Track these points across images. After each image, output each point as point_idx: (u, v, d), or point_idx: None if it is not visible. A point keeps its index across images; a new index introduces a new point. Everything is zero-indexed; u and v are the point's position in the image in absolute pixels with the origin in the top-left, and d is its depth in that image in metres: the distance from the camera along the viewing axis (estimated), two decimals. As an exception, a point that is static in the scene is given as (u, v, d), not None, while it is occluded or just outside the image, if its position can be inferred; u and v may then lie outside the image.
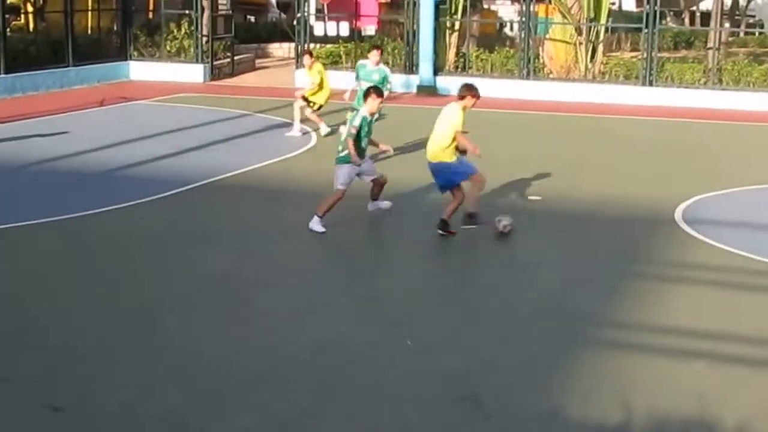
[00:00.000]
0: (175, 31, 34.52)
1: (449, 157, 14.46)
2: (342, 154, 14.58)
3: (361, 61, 21.19)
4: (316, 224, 14.38)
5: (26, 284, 11.98)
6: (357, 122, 14.47)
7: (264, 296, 11.73)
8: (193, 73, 33.54)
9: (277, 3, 56.29)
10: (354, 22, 36.87)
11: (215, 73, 34.37)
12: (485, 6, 44.13)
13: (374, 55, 20.71)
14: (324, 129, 22.27)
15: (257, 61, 40.19)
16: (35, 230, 14.28)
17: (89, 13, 34.52)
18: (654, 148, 22.41)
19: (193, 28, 33.91)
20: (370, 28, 40.60)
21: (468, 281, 12.64)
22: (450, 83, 29.95)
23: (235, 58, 36.74)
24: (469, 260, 13.64)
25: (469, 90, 14.60)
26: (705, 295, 12.30)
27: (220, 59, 35.46)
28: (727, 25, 43.67)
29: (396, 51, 33.26)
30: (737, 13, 48.31)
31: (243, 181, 17.88)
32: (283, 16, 52.03)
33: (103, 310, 11.03)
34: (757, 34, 49.93)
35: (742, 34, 49.11)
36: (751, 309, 11.61)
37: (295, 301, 11.53)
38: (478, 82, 16.55)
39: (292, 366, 9.60)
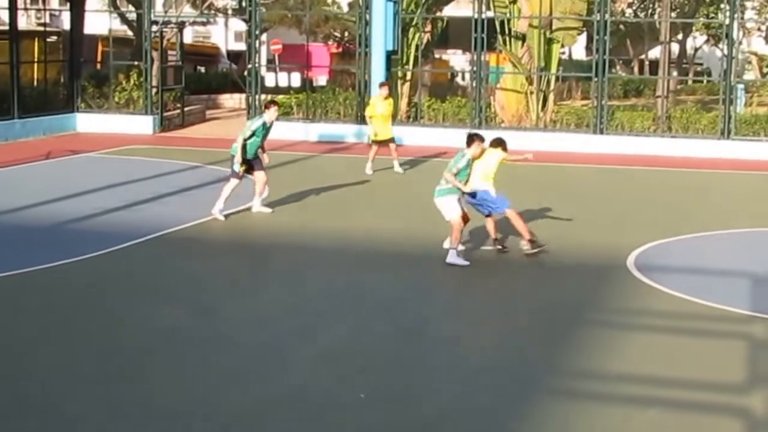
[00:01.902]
0: (124, 82, 34.34)
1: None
2: (445, 188, 15.51)
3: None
4: (454, 257, 15.23)
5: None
6: (462, 163, 15.49)
7: (217, 351, 11.49)
8: (143, 124, 33.30)
9: (228, 54, 56.32)
10: (305, 72, 36.87)
11: (165, 125, 34.17)
12: (437, 56, 44.35)
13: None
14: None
15: (208, 111, 40.07)
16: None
17: (35, 64, 34.30)
18: (605, 195, 22.45)
19: (142, 79, 33.71)
20: (322, 79, 40.69)
21: (423, 333, 12.46)
22: (402, 133, 29.95)
23: (185, 108, 36.59)
24: (422, 312, 13.46)
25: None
26: (658, 341, 12.22)
27: (169, 110, 35.30)
28: (675, 73, 44.13)
29: (347, 101, 33.23)
30: (685, 61, 48.87)
31: (194, 234, 17.67)
32: (234, 66, 52.07)
33: (48, 367, 10.75)
34: (705, 81, 50.40)
35: (690, 82, 49.62)
36: (703, 354, 11.55)
37: (247, 356, 11.31)
38: (430, 131, 16.84)
39: (245, 424, 9.39)
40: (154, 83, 33.94)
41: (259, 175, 19.20)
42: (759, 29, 50.46)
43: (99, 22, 38.45)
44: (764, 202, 21.97)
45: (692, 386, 10.48)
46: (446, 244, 15.68)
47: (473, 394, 10.28)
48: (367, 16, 31.97)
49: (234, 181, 18.93)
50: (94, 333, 12.10)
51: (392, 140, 25.03)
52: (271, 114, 18.99)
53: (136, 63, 34.64)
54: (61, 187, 21.71)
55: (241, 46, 49.45)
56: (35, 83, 34.17)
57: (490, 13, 32.76)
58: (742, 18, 32.90)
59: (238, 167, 18.82)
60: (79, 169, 25.49)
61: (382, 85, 26.08)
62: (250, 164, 19.01)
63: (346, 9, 47.32)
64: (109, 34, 36.32)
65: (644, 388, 10.42)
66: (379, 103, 25.01)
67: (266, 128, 19.03)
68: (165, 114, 34.46)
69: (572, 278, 15.00)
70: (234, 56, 55.00)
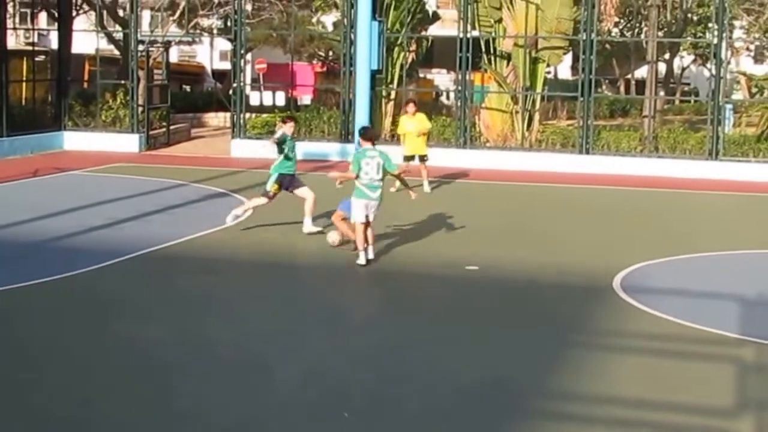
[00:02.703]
0: (111, 100, 34.36)
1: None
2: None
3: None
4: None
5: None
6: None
7: (198, 369, 11.44)
8: (129, 142, 33.29)
9: (213, 73, 56.39)
10: (290, 91, 36.87)
11: (151, 143, 34.16)
12: (421, 75, 44.39)
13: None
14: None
15: (193, 130, 40.11)
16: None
17: (24, 83, 34.27)
18: (591, 216, 22.46)
19: (128, 97, 33.71)
20: (306, 98, 40.70)
21: (406, 354, 12.41)
22: (386, 152, 29.93)
23: (171, 127, 36.57)
24: (407, 332, 13.41)
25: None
26: (645, 363, 12.18)
27: (155, 128, 35.29)
28: (662, 93, 44.20)
29: (332, 120, 33.25)
30: (672, 81, 48.95)
31: (179, 252, 17.62)
32: (219, 85, 52.12)
33: (28, 383, 10.69)
34: (692, 101, 50.53)
35: (677, 102, 49.75)
36: (691, 377, 11.51)
37: (226, 376, 11.25)
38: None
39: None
40: (141, 102, 33.96)
41: (302, 192, 18.87)
42: (747, 49, 50.64)
43: (86, 41, 38.44)
44: (753, 224, 21.99)
45: (680, 409, 10.44)
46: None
47: (457, 413, 10.23)
48: (352, 36, 31.99)
49: (263, 200, 18.80)
50: (76, 349, 12.03)
51: (424, 158, 25.17)
52: (286, 129, 18.83)
53: (122, 82, 34.69)
54: (47, 205, 21.65)
55: (227, 66, 49.55)
56: (23, 102, 34.14)
57: (476, 33, 32.82)
58: (731, 38, 32.98)
59: (270, 185, 18.62)
60: (66, 186, 25.44)
61: (407, 102, 26.54)
62: (289, 183, 18.75)
63: (330, 28, 47.35)
64: (96, 53, 36.38)
65: (631, 410, 10.40)
66: (407, 121, 25.33)
67: (292, 143, 18.82)
68: (151, 132, 34.45)
69: (557, 299, 14.97)
70: (219, 75, 55.10)
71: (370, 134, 17.42)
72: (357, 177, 16.51)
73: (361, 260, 16.37)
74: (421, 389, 10.95)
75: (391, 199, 19.11)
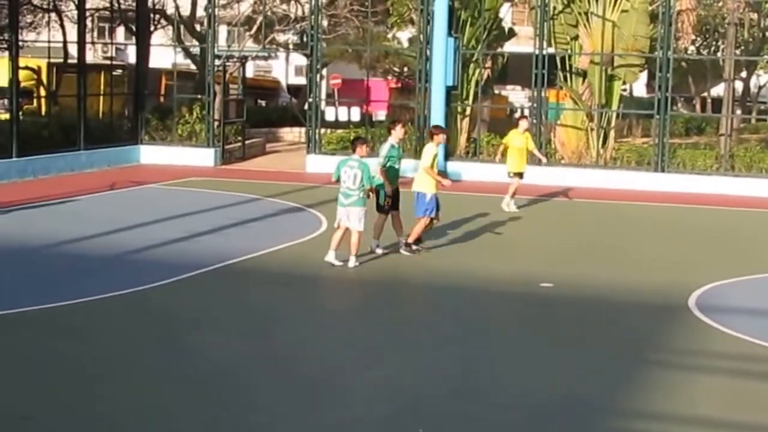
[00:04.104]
0: (187, 115, 34.65)
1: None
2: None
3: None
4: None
5: (28, 372, 11.78)
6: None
7: (272, 384, 11.52)
8: (204, 157, 33.56)
9: (288, 88, 56.69)
10: (365, 107, 37.00)
11: (226, 157, 34.41)
12: (496, 91, 44.33)
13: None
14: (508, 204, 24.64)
15: (268, 144, 40.30)
16: (44, 315, 14.10)
17: (101, 97, 34.71)
18: (666, 234, 22.30)
19: (204, 112, 33.99)
20: (380, 113, 40.79)
21: (480, 370, 12.39)
22: (461, 168, 30.04)
23: (246, 142, 36.85)
24: (480, 350, 13.40)
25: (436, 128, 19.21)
26: (720, 383, 12.08)
27: (231, 143, 35.57)
28: (738, 111, 43.78)
29: (407, 136, 33.26)
30: (749, 99, 48.46)
31: (255, 266, 17.76)
32: (294, 100, 52.37)
33: (100, 395, 10.83)
34: (768, 120, 49.93)
35: (753, 121, 49.24)
36: (764, 398, 11.39)
37: (300, 391, 11.31)
38: (489, 167, 17.23)
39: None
40: (216, 116, 34.23)
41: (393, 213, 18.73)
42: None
43: (163, 56, 38.84)
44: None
45: (753, 430, 10.36)
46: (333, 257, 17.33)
47: (534, 430, 10.22)
48: (428, 52, 32.03)
49: (381, 216, 18.66)
50: (151, 363, 12.17)
51: (520, 176, 25.15)
52: (397, 132, 18.86)
53: (198, 96, 34.96)
54: (123, 218, 21.89)
55: (302, 81, 49.80)
56: (101, 115, 34.57)
57: (551, 50, 32.76)
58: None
59: (383, 200, 18.50)
60: (142, 200, 25.71)
61: (521, 118, 26.92)
62: (395, 198, 18.66)
63: (406, 44, 47.45)
64: (173, 67, 36.77)
65: (706, 430, 10.33)
66: (516, 137, 25.21)
67: (398, 151, 18.78)
68: (226, 147, 34.72)
69: (633, 317, 14.90)
70: (294, 90, 55.34)
71: (355, 145, 17.64)
72: (337, 182, 17.42)
73: (329, 258, 17.31)
74: (495, 407, 10.94)
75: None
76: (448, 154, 31.34)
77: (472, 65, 33.84)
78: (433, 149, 18.63)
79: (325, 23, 38.47)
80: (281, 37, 47.61)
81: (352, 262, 17.23)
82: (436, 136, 19.05)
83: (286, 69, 56.72)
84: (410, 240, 18.44)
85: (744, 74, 50.10)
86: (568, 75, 33.29)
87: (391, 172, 18.48)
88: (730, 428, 10.38)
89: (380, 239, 18.54)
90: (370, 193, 17.62)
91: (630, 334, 14.01)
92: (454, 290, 16.44)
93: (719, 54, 47.80)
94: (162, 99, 39.45)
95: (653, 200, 27.62)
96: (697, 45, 50.65)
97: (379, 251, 18.42)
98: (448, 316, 14.98)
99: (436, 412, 10.69)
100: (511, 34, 39.20)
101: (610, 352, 13.11)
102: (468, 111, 34.21)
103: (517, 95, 51.79)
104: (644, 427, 10.47)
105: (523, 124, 25.71)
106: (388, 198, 18.40)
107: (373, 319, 14.80)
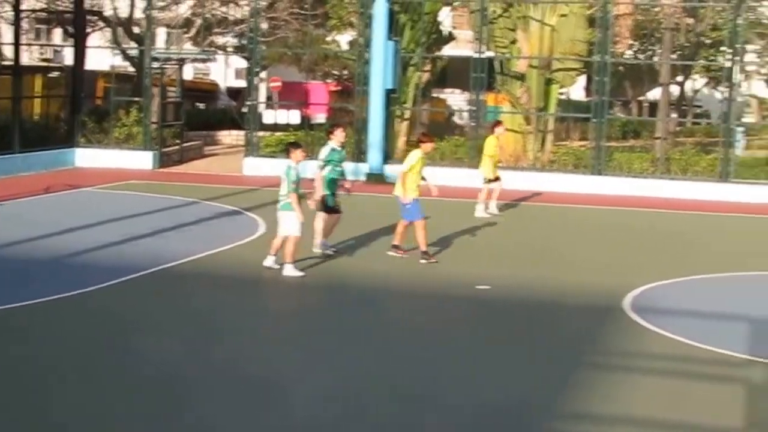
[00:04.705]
0: (124, 117, 34.38)
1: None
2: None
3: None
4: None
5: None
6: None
7: (212, 387, 11.46)
8: (142, 159, 33.33)
9: (227, 90, 56.50)
10: (304, 110, 36.94)
11: (164, 160, 34.19)
12: (435, 95, 44.45)
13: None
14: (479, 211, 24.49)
15: (206, 147, 40.14)
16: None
17: (37, 99, 34.37)
18: (602, 236, 22.46)
19: (142, 115, 33.78)
20: (320, 116, 40.74)
21: (415, 374, 12.38)
22: (399, 171, 29.97)
23: (184, 144, 36.67)
24: (417, 354, 13.39)
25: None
26: (655, 384, 12.16)
27: (169, 146, 35.36)
28: (674, 115, 44.18)
29: (346, 139, 33.20)
30: (684, 103, 48.88)
31: (194, 268, 17.67)
32: (233, 103, 52.21)
33: (42, 399, 10.72)
34: (704, 124, 50.51)
35: (689, 124, 49.70)
36: (702, 398, 11.48)
37: (241, 393, 11.26)
38: (428, 170, 17.26)
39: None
40: (154, 119, 34.03)
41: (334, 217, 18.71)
42: (759, 72, 50.56)
43: (101, 58, 38.56)
44: (763, 246, 21.97)
45: (690, 430, 10.45)
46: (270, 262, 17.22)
47: (471, 434, 10.26)
48: (367, 55, 32.06)
49: (332, 216, 18.63)
50: (90, 365, 12.06)
51: (497, 179, 25.02)
52: (338, 136, 18.80)
53: (136, 99, 34.74)
54: (60, 221, 21.68)
55: (241, 83, 49.64)
56: (36, 118, 34.22)
57: (490, 53, 32.88)
58: (743, 61, 32.98)
59: (331, 201, 18.52)
60: (78, 203, 25.48)
61: (498, 123, 26.19)
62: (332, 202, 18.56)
63: (345, 47, 47.46)
64: (111, 70, 36.53)
65: (642, 431, 10.40)
66: (494, 143, 24.99)
67: (340, 154, 18.78)
68: (164, 150, 34.51)
69: (566, 319, 14.97)
70: (233, 93, 55.19)
71: (288, 150, 17.47)
72: None
73: (267, 262, 17.22)
74: (433, 410, 10.94)
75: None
76: (387, 157, 31.40)
77: (411, 68, 33.94)
78: (416, 156, 18.63)
79: (264, 26, 38.41)
80: (220, 40, 47.50)
81: (286, 271, 16.95)
82: (423, 144, 18.93)
83: (224, 72, 56.47)
84: (423, 249, 18.32)
85: (680, 78, 50.54)
86: (506, 78, 33.43)
87: (331, 176, 18.49)
88: (668, 429, 10.45)
89: (327, 239, 18.54)
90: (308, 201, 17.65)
91: (567, 336, 14.06)
92: (392, 293, 16.46)
93: (656, 58, 48.13)
94: (99, 101, 39.17)
95: (590, 203, 27.78)
96: (635, 49, 51.03)
97: (330, 252, 18.42)
98: (385, 320, 14.93)
99: (381, 413, 10.69)
100: (450, 37, 39.36)
101: (548, 354, 13.14)
102: (407, 114, 34.26)
103: (455, 98, 51.93)
104: (581, 428, 10.51)
105: (499, 129, 25.44)
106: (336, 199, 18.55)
107: (317, 322, 14.76)
